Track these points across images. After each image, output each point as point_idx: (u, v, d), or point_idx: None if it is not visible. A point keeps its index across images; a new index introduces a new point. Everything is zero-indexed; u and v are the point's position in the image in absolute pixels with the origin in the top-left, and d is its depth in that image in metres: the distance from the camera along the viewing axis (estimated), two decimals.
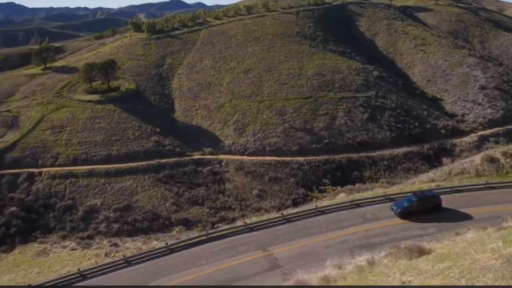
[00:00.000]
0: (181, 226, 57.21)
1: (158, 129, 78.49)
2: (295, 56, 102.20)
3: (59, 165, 68.56)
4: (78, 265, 43.71)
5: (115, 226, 58.48)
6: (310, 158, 72.52)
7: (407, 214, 42.98)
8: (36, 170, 67.01)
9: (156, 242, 50.45)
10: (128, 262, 40.51)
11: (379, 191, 55.00)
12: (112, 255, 48.32)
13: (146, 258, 41.12)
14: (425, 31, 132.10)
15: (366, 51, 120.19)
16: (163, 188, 65.09)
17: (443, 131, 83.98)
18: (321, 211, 46.54)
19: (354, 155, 74.07)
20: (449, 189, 49.00)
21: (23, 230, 57.75)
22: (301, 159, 72.15)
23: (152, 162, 69.51)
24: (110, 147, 72.58)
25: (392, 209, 44.15)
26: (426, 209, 43.11)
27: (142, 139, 75.15)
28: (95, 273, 39.41)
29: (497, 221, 29.77)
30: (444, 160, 73.07)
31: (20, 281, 43.25)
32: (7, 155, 69.33)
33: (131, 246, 51.60)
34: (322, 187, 66.86)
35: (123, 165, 68.60)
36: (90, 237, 56.66)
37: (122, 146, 73.06)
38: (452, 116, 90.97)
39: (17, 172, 66.16)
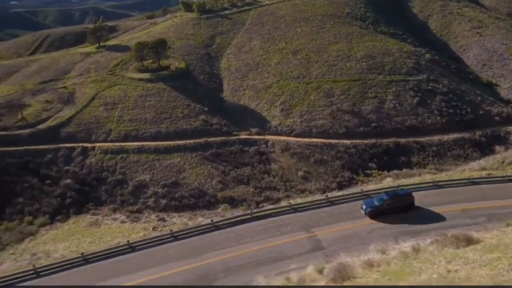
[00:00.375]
0: (227, 204, 58.32)
1: (206, 108, 79.65)
2: (344, 38, 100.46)
3: (111, 141, 71.04)
4: (128, 237, 45.39)
5: (163, 201, 60.27)
6: (357, 141, 71.75)
7: (377, 213, 41.34)
8: (89, 145, 69.74)
9: (202, 219, 51.70)
10: (174, 236, 41.84)
11: (427, 177, 54.06)
12: (160, 229, 49.88)
13: (192, 233, 42.31)
14: (482, 13, 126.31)
15: (418, 34, 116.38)
16: (209, 166, 66.36)
17: (497, 118, 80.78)
18: (367, 195, 46.28)
19: (402, 140, 72.68)
20: (501, 178, 47.56)
21: (77, 201, 60.49)
22: (347, 142, 71.53)
23: (199, 140, 70.86)
24: (160, 124, 74.43)
25: (361, 208, 42.51)
26: (398, 208, 41.50)
27: (190, 117, 76.57)
28: (143, 246, 40.97)
29: None
30: (497, 148, 70.55)
31: (74, 249, 45.49)
32: (63, 130, 72.44)
33: (177, 221, 53.14)
34: (368, 171, 66.16)
35: (171, 143, 70.30)
36: (139, 211, 58.69)
37: (171, 124, 74.75)
38: (508, 102, 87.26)
39: (72, 146, 69.09)
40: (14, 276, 37.99)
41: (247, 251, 38.01)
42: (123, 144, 70.24)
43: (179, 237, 41.77)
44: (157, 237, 42.81)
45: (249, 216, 44.35)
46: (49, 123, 73.65)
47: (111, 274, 36.66)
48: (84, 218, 57.25)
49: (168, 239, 41.61)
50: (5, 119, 72.88)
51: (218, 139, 71.83)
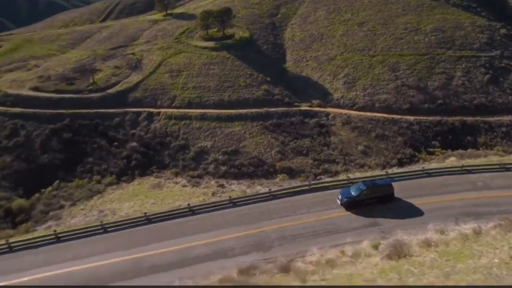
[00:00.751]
0: (285, 175, 58.97)
1: (268, 78, 79.83)
2: (413, 10, 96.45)
3: (175, 107, 73.02)
4: (188, 201, 47.20)
5: (223, 168, 61.75)
6: (421, 117, 69.77)
7: (354, 204, 39.54)
8: (155, 110, 72.03)
9: (260, 187, 52.73)
10: (233, 203, 42.95)
11: (493, 159, 52.12)
12: (219, 195, 51.43)
13: (250, 201, 43.23)
14: None
15: (493, 7, 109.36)
16: (269, 136, 67.03)
17: None
18: (428, 174, 45.43)
19: (469, 119, 69.87)
20: None
21: (142, 164, 63.18)
22: (411, 118, 69.75)
23: (261, 110, 71.42)
24: (222, 93, 75.60)
25: (337, 198, 40.70)
26: (376, 199, 39.69)
27: (252, 87, 77.16)
28: (203, 210, 42.36)
29: None
30: None
31: (138, 209, 47.86)
32: (130, 95, 75.15)
33: (236, 188, 54.49)
34: (431, 149, 64.39)
35: (233, 111, 71.38)
36: (199, 176, 60.56)
37: (233, 92, 75.73)
38: None
39: (139, 111, 71.64)
40: (84, 230, 40.74)
41: (303, 221, 38.61)
42: (186, 110, 72.09)
43: (237, 203, 42.85)
44: (216, 202, 44.21)
45: (306, 188, 44.76)
46: (117, 87, 76.58)
47: (172, 234, 38.39)
48: (147, 180, 59.84)
49: (227, 205, 42.81)
50: (78, 83, 76.58)
51: (279, 109, 72.11)
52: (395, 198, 40.67)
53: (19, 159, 62.82)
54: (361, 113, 71.55)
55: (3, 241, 40.15)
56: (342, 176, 51.13)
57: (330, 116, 71.27)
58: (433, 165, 51.85)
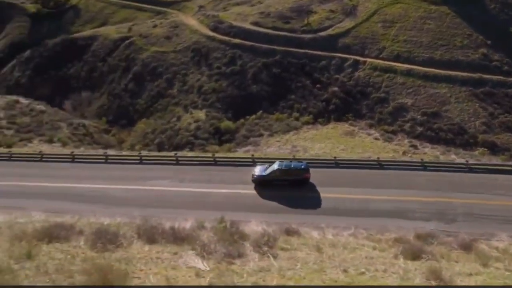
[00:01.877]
0: (486, 149, 55.15)
1: (489, 41, 72.89)
2: None
3: (382, 59, 72.24)
4: (377, 154, 47.20)
5: (419, 129, 60.28)
6: None
7: (262, 183, 37.28)
8: (361, 59, 72.42)
9: (455, 156, 50.18)
10: (424, 166, 41.80)
11: None
12: (410, 155, 50.45)
13: (442, 168, 41.74)
14: None
15: None
16: (477, 104, 62.55)
17: None
18: None
19: None
20: None
21: (339, 109, 65.29)
22: None
23: (473, 75, 66.58)
24: (434, 51, 71.86)
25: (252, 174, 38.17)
26: (287, 182, 37.16)
27: (469, 49, 71.60)
28: (391, 166, 42.03)
29: None
30: None
31: (328, 152, 49.80)
32: (340, 40, 76.37)
33: (429, 152, 52.77)
34: None
35: (442, 72, 67.95)
36: (393, 132, 60.18)
37: (446, 52, 71.41)
38: None
39: (345, 57, 72.91)
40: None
41: (497, 203, 36.01)
42: (392, 63, 70.88)
43: (428, 168, 41.69)
44: (406, 161, 43.73)
45: (509, 168, 41.35)
46: (329, 31, 78.36)
47: (356, 183, 39.33)
48: (342, 126, 61.58)
49: (417, 167, 41.95)
50: (293, 22, 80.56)
51: (494, 77, 66.27)
52: (309, 183, 37.70)
53: (233, 85, 70.36)
54: None
55: (210, 154, 46.42)
56: None
57: None
58: None
